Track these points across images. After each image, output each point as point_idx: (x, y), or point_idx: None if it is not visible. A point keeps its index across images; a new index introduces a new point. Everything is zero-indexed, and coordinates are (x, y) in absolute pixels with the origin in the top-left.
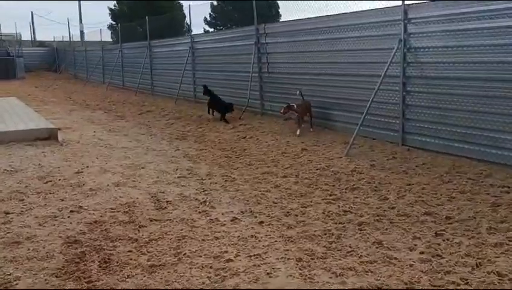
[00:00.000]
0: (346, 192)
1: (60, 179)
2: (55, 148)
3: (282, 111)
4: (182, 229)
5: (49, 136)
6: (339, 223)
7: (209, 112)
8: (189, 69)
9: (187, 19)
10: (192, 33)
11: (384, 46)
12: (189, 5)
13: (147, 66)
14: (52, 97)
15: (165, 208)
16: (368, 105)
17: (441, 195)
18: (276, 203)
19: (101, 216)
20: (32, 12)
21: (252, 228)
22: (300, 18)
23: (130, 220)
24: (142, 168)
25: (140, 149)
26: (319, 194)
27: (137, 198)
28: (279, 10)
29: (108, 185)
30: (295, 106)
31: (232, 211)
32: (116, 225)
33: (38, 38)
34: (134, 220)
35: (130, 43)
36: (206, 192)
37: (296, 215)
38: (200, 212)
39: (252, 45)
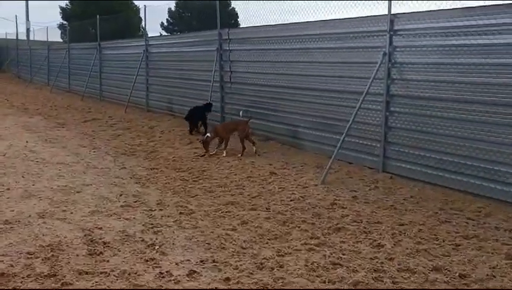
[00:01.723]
0: (329, 233)
1: None
2: None
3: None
4: None
5: None
6: (328, 282)
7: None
8: (142, 74)
9: (143, 22)
10: (148, 36)
11: (367, 59)
12: (145, 6)
13: (96, 68)
14: None
15: (101, 253)
16: (348, 125)
17: (443, 241)
18: (245, 248)
19: (10, 266)
20: None
21: (216, 288)
22: (270, 24)
23: (51, 272)
24: (78, 192)
25: (79, 166)
26: (297, 236)
27: (65, 237)
28: (238, 20)
29: (30, 215)
30: (210, 135)
31: (189, 260)
32: (29, 281)
33: None
34: (56, 273)
35: (79, 43)
36: (156, 229)
37: (272, 269)
38: (146, 261)
39: (214, 51)
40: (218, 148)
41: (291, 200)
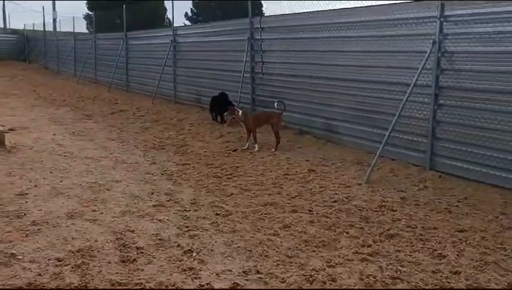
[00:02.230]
0: (382, 240)
1: None
2: None
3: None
4: None
5: None
6: None
7: (213, 117)
8: (169, 65)
9: (168, 12)
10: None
11: (413, 48)
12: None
13: (122, 59)
14: (15, 89)
15: (134, 260)
16: (394, 119)
17: None
18: (290, 257)
19: (38, 274)
20: None
21: None
22: (306, 11)
23: (81, 283)
24: (107, 189)
25: (108, 161)
26: (346, 243)
27: (95, 241)
28: (263, 9)
29: (58, 216)
30: (240, 113)
31: (230, 270)
32: None
33: (13, 26)
34: (88, 284)
35: (105, 33)
36: (192, 233)
37: (324, 283)
38: (184, 271)
39: (245, 40)
40: (250, 143)
41: (334, 201)
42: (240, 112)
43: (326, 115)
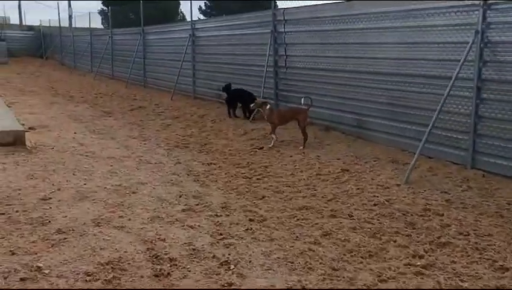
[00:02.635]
0: (433, 250)
1: (17, 211)
2: (20, 158)
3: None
4: None
5: (14, 141)
6: None
7: (229, 114)
8: (188, 60)
9: (180, 6)
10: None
11: (453, 39)
12: None
13: (140, 54)
14: (33, 86)
15: (168, 274)
16: (435, 114)
17: None
18: (336, 269)
19: None
20: None
21: None
22: (331, 1)
23: None
24: (133, 192)
25: (131, 161)
26: (396, 254)
27: (125, 251)
28: (277, 2)
29: (85, 223)
30: (267, 107)
31: (273, 286)
32: None
33: (29, 22)
34: None
35: (121, 28)
36: (227, 241)
37: None
38: (223, 286)
39: (268, 33)
40: (274, 140)
41: (374, 205)
42: (268, 106)
43: (356, 110)
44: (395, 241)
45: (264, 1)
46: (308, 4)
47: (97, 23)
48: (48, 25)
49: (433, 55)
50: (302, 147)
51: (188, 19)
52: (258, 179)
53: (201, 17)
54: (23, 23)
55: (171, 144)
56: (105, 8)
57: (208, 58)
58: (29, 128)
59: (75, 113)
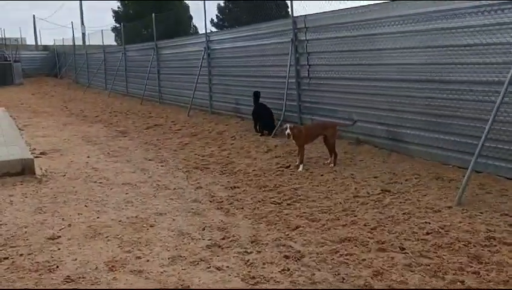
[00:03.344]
0: None
1: (21, 255)
2: (29, 189)
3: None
4: None
5: (22, 170)
6: None
7: (256, 129)
8: (204, 73)
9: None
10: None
11: (502, 39)
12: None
13: (154, 70)
14: (47, 106)
15: None
16: (488, 125)
17: None
18: None
19: None
20: (34, 15)
21: None
22: (356, 6)
23: None
24: (151, 226)
25: (148, 187)
26: None
27: None
28: (288, 10)
29: (97, 267)
30: (287, 129)
31: None
32: None
33: (44, 42)
34: None
35: (134, 44)
36: (261, 286)
37: None
38: None
39: (288, 42)
40: (300, 163)
41: (427, 233)
42: (287, 126)
43: (390, 121)
44: (462, 283)
45: (276, 12)
46: (332, 9)
47: (110, 40)
48: (61, 43)
49: (477, 59)
50: (332, 165)
51: (201, 31)
52: (288, 204)
53: (214, 29)
54: (39, 43)
55: (190, 165)
56: (117, 24)
57: (224, 71)
58: (41, 153)
59: (88, 134)
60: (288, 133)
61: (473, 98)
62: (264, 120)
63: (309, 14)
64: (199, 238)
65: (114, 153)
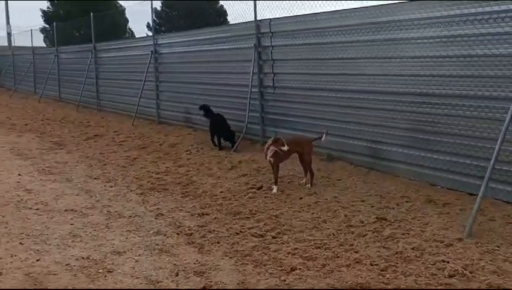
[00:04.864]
0: None
1: None
2: None
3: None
4: None
5: None
6: None
7: (213, 142)
8: (151, 79)
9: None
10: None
11: (504, 50)
12: (151, 2)
13: (92, 74)
14: None
15: None
16: (498, 144)
17: None
18: None
19: None
20: None
21: None
22: (329, 11)
23: None
24: (109, 272)
25: (97, 214)
26: None
27: None
28: (228, 18)
29: None
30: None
31: None
32: None
33: None
34: None
35: (68, 46)
36: None
37: None
38: None
39: (251, 48)
40: (277, 189)
41: (450, 276)
42: (284, 141)
43: (368, 136)
44: None
45: (216, 18)
46: (302, 14)
47: (39, 41)
48: None
49: (471, 71)
50: (309, 185)
51: (137, 35)
52: (273, 237)
53: (149, 33)
54: None
55: (145, 185)
56: (47, 25)
57: (174, 77)
58: None
59: (18, 146)
60: (287, 149)
61: (462, 114)
62: (225, 133)
63: (275, 18)
64: (174, 288)
65: (50, 170)
